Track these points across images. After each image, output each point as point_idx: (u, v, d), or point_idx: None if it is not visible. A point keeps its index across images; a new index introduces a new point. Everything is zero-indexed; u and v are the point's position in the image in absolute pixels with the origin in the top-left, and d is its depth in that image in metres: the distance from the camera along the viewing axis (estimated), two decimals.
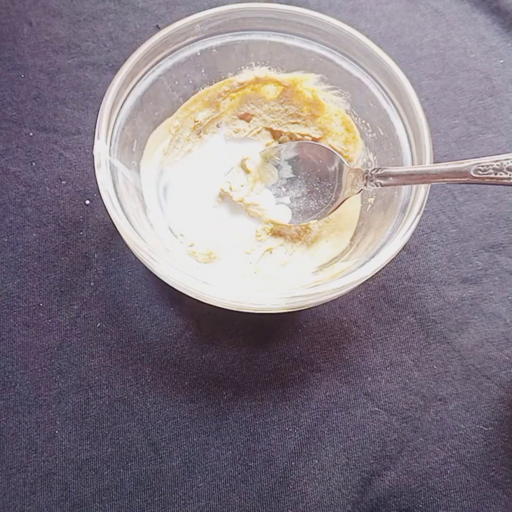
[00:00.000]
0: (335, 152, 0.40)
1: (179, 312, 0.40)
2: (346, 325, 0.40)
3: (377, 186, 0.36)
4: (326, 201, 0.40)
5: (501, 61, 0.49)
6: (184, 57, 0.38)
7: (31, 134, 0.44)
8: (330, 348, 0.40)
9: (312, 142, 0.41)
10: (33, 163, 0.43)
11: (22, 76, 0.46)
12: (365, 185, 0.37)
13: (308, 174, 0.41)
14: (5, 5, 0.49)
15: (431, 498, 0.37)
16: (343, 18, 0.50)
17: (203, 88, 0.41)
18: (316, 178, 0.41)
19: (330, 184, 0.40)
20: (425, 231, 0.43)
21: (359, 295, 0.41)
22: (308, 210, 0.41)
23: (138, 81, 0.36)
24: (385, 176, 0.36)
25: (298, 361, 0.39)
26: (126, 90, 0.35)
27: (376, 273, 0.33)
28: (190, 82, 0.40)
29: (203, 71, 0.40)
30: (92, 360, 0.38)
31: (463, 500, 0.37)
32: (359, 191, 0.38)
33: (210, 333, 0.39)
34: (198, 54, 0.38)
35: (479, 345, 0.40)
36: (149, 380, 0.38)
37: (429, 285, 0.42)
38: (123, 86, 0.34)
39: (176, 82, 0.39)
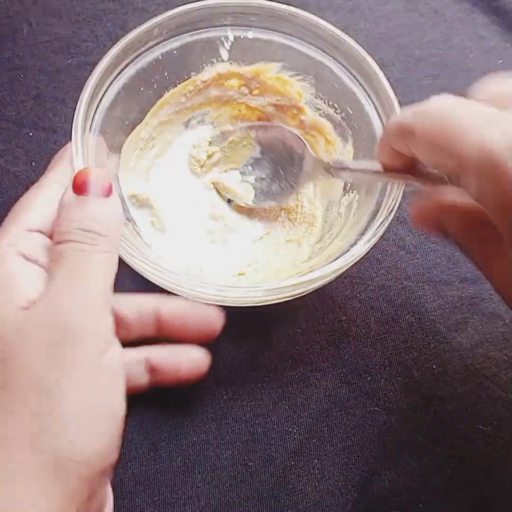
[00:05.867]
0: (301, 137, 0.40)
1: None
2: (346, 325, 0.40)
3: (334, 177, 0.37)
4: (287, 186, 0.40)
5: (500, 61, 0.49)
6: (146, 63, 0.38)
7: (30, 134, 0.44)
8: (329, 347, 0.40)
9: (282, 125, 0.42)
10: (33, 163, 0.43)
11: (22, 76, 0.46)
12: (323, 175, 0.37)
13: (275, 156, 0.42)
14: (5, 5, 0.49)
15: (431, 498, 0.37)
16: (342, 18, 0.50)
17: (168, 91, 0.41)
18: (281, 162, 0.41)
19: (294, 169, 0.40)
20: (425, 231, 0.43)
21: (358, 295, 0.41)
22: (270, 192, 0.41)
23: (104, 93, 0.36)
24: (342, 168, 0.36)
25: (298, 361, 0.39)
26: (94, 104, 0.35)
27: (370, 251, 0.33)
28: (155, 86, 0.40)
29: (166, 74, 0.40)
30: None
31: (463, 500, 0.37)
32: (319, 181, 0.38)
33: None
34: (160, 57, 0.39)
35: (478, 344, 0.40)
36: None
37: (428, 284, 0.42)
38: (92, 100, 0.34)
39: (142, 89, 0.39)
